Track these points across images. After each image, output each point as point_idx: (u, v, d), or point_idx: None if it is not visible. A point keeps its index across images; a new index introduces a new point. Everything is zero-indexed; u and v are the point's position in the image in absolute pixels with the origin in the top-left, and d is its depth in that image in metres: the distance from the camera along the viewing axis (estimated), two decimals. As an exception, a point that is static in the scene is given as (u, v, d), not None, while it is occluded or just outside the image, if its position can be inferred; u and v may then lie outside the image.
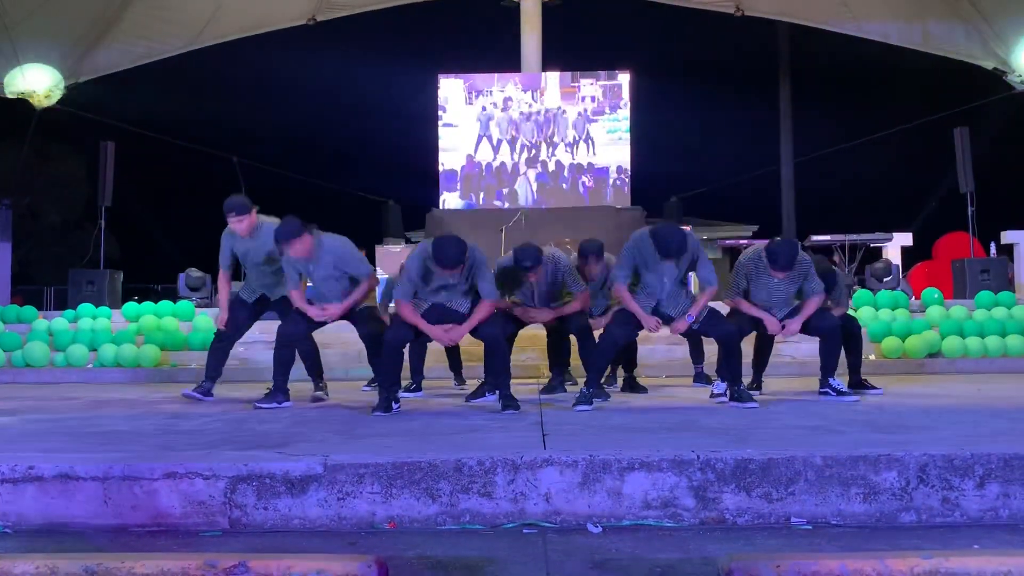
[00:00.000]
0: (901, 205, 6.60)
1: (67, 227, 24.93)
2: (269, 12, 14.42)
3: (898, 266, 11.24)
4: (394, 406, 5.08)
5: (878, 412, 4.71)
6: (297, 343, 5.71)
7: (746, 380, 5.63)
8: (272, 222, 5.62)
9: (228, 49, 14.65)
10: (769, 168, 20.82)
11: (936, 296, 9.71)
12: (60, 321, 9.68)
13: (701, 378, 6.90)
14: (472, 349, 6.16)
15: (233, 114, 24.56)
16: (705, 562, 2.59)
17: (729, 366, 5.35)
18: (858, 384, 6.05)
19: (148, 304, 10.21)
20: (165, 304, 10.10)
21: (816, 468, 3.11)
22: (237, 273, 6.22)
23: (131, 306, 10.08)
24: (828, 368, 5.64)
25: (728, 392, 5.35)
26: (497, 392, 5.26)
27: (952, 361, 8.41)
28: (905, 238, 13.14)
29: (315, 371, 5.99)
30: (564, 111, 14.72)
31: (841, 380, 5.75)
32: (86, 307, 10.02)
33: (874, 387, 6.07)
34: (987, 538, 2.88)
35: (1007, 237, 11.45)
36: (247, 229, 5.69)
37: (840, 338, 5.73)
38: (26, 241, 21.64)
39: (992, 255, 11.65)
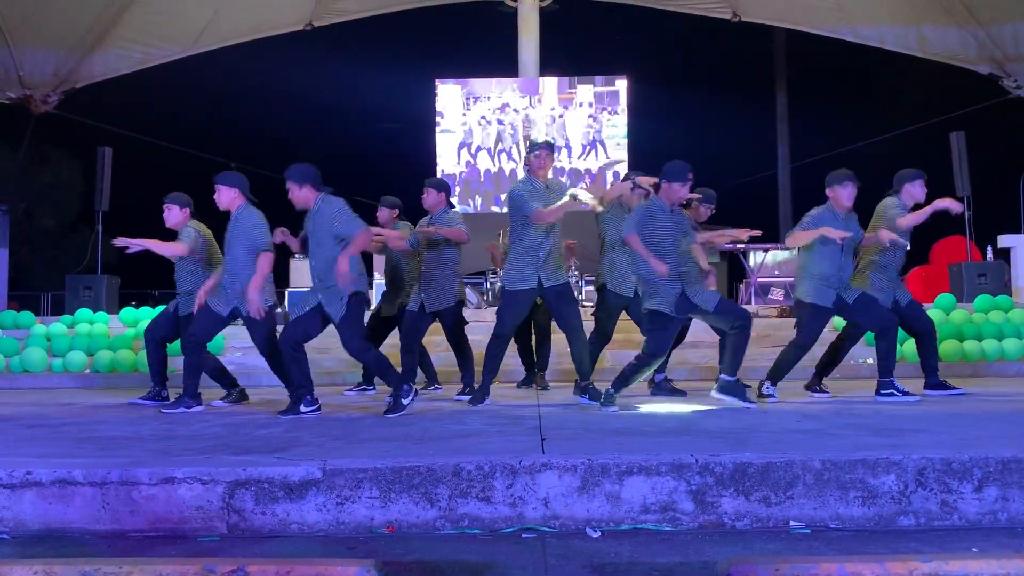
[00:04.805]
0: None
1: (63, 232, 24.91)
2: (267, 17, 14.44)
3: (895, 270, 11.21)
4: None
5: (876, 415, 4.71)
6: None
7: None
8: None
9: (226, 54, 14.67)
10: (766, 173, 20.87)
11: (950, 301, 9.71)
12: (58, 326, 9.66)
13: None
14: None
15: (230, 119, 24.56)
16: (704, 566, 2.59)
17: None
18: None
19: (146, 309, 10.21)
20: (163, 309, 10.07)
21: (815, 472, 3.11)
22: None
23: (129, 311, 10.07)
24: (885, 369, 5.76)
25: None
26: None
27: (949, 365, 8.40)
28: (902, 242, 13.11)
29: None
30: (563, 115, 14.75)
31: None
32: (83, 312, 10.01)
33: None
34: (986, 541, 2.88)
35: (1004, 241, 11.45)
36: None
37: (894, 336, 5.81)
38: (22, 246, 21.60)
39: (989, 259, 11.67)
